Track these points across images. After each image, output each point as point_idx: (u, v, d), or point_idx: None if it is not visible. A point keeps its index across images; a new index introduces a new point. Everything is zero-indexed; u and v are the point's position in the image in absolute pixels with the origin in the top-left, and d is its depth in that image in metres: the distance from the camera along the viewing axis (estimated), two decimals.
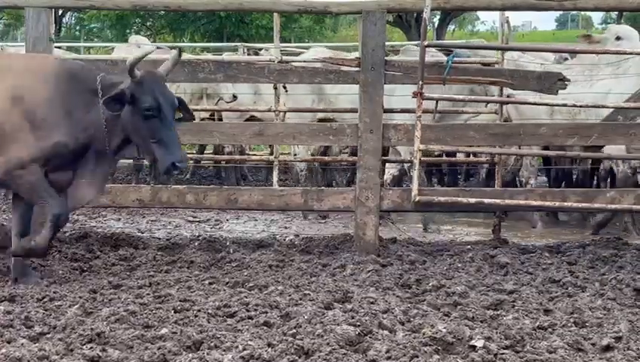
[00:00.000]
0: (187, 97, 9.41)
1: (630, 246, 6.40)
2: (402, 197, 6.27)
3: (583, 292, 5.00)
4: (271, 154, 7.85)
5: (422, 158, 6.14)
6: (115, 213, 8.32)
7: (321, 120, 8.29)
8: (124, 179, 10.65)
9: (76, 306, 4.47)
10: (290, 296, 4.74)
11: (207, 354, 3.71)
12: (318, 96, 8.57)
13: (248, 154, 11.01)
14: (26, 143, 4.88)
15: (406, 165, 7.92)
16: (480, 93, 7.84)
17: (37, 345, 3.83)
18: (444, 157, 8.97)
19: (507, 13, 7.10)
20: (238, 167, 10.54)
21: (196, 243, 6.44)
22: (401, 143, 6.77)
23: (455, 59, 6.39)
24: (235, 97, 9.29)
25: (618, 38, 7.88)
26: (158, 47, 9.72)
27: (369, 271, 5.44)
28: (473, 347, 3.86)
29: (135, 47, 9.42)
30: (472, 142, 6.49)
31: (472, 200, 6.16)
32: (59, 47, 10.62)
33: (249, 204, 6.42)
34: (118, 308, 4.43)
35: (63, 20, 30.76)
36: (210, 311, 4.40)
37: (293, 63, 7.20)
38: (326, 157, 9.01)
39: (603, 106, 6.63)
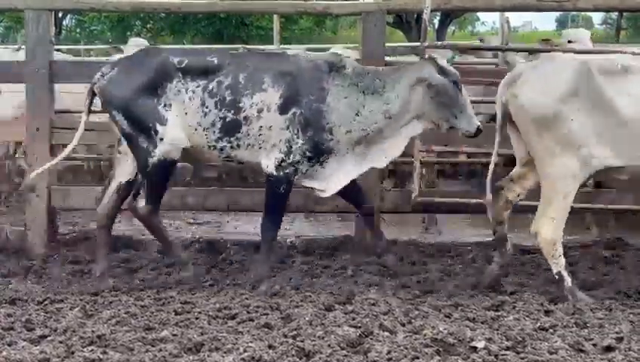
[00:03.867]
0: None
1: (631, 247, 6.39)
2: (402, 199, 6.26)
3: (584, 292, 4.99)
4: None
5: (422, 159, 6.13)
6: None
7: None
8: None
9: (77, 309, 4.48)
10: (290, 297, 4.74)
11: (208, 356, 3.71)
12: None
13: None
14: None
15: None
16: None
17: (38, 347, 3.83)
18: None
19: (507, 14, 7.10)
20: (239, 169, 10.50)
21: (197, 245, 6.43)
22: None
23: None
24: None
25: (569, 42, 7.85)
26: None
27: (370, 273, 5.44)
28: (474, 348, 3.86)
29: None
30: (473, 141, 6.46)
31: (473, 201, 6.14)
32: (59, 50, 10.57)
33: (250, 205, 6.41)
34: (119, 310, 4.43)
35: (63, 22, 30.73)
36: (210, 313, 4.41)
37: None
38: None
39: None
